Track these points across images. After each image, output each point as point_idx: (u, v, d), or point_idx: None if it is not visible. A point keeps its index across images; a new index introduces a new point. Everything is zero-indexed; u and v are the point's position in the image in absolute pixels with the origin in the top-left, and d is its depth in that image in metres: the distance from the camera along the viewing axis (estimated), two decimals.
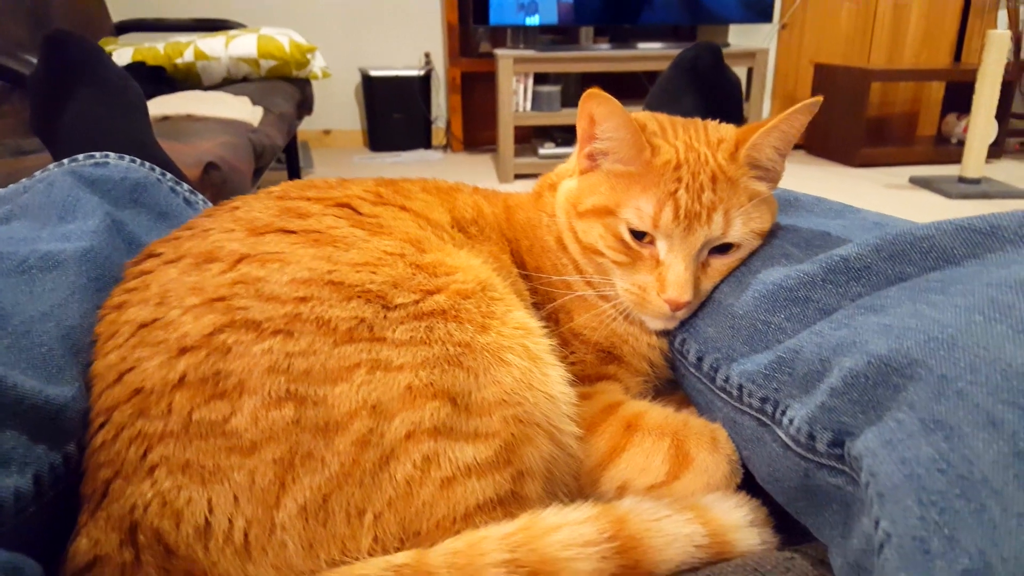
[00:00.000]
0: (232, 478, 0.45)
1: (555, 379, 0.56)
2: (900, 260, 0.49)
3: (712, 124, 0.69)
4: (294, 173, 3.33)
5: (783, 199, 0.72)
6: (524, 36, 3.70)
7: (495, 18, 3.48)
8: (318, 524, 0.46)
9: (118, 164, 0.81)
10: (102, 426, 0.48)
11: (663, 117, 0.70)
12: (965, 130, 3.34)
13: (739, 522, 0.53)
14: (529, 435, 0.52)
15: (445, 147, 4.27)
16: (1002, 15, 3.95)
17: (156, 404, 0.47)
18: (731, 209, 0.62)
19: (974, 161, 3.08)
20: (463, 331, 0.53)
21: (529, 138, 3.93)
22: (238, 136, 1.89)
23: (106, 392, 0.49)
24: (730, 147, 0.64)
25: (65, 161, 0.81)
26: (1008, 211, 0.46)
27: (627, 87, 3.93)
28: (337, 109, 4.17)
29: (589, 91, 0.63)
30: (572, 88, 3.82)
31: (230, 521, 0.44)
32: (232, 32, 2.73)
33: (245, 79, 2.70)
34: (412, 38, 4.09)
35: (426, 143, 4.20)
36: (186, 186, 0.87)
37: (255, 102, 2.28)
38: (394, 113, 4.05)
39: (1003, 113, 3.45)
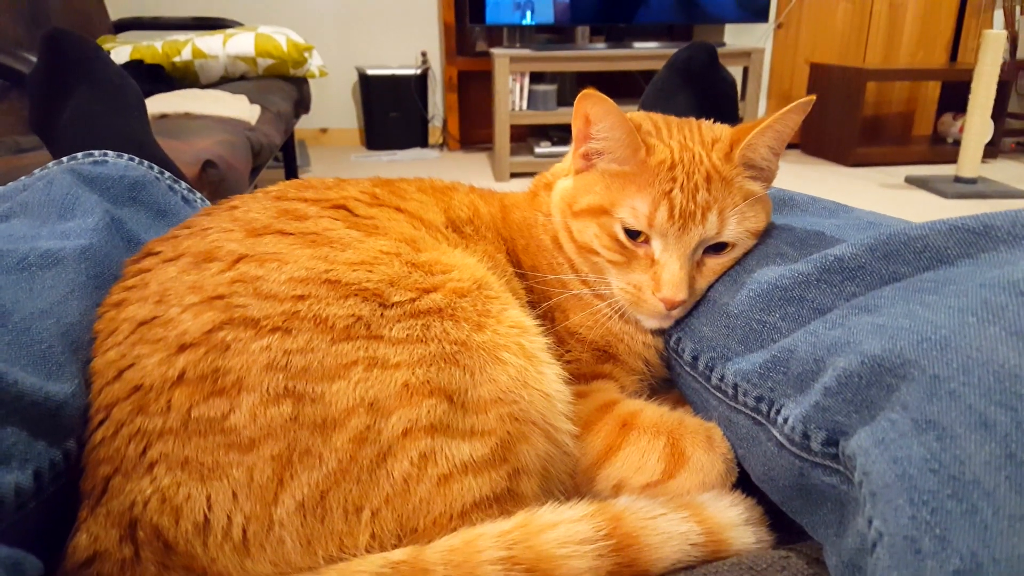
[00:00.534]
0: (231, 475, 0.45)
1: (551, 377, 0.56)
2: (894, 260, 0.49)
3: (707, 124, 0.70)
4: (291, 171, 3.33)
5: (778, 198, 0.73)
6: (520, 35, 3.71)
7: (491, 17, 3.49)
8: (316, 521, 0.46)
9: (116, 162, 0.81)
10: (102, 423, 0.49)
11: (658, 117, 0.71)
12: (961, 130, 3.36)
13: (734, 520, 0.53)
14: (525, 433, 0.53)
15: (441, 146, 4.27)
16: (998, 15, 3.96)
17: (155, 401, 0.47)
18: (726, 208, 0.62)
19: (970, 161, 3.09)
20: (459, 329, 0.53)
21: (525, 137, 3.94)
22: (236, 134, 1.89)
23: (106, 389, 0.49)
24: (725, 147, 0.64)
25: (64, 159, 0.81)
26: (1001, 210, 0.47)
27: (623, 86, 3.94)
28: (334, 108, 4.17)
29: (584, 91, 0.64)
30: (568, 87, 3.82)
31: (229, 518, 0.45)
32: (230, 31, 2.72)
33: (243, 77, 2.70)
34: (409, 37, 4.09)
35: (423, 142, 4.20)
36: (184, 184, 0.87)
37: (253, 101, 2.28)
38: (391, 112, 4.05)
39: (999, 113, 3.46)
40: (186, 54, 2.58)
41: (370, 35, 4.06)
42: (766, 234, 0.66)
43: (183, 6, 3.50)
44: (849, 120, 3.66)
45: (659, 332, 0.68)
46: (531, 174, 3.26)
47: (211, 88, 2.46)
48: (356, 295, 0.52)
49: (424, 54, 4.12)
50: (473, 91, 4.13)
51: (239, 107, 2.18)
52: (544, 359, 0.57)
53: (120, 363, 0.50)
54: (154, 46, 2.58)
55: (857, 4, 3.99)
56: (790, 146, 3.95)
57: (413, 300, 0.54)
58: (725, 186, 0.63)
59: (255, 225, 0.57)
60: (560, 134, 3.73)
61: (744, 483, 0.58)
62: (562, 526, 0.48)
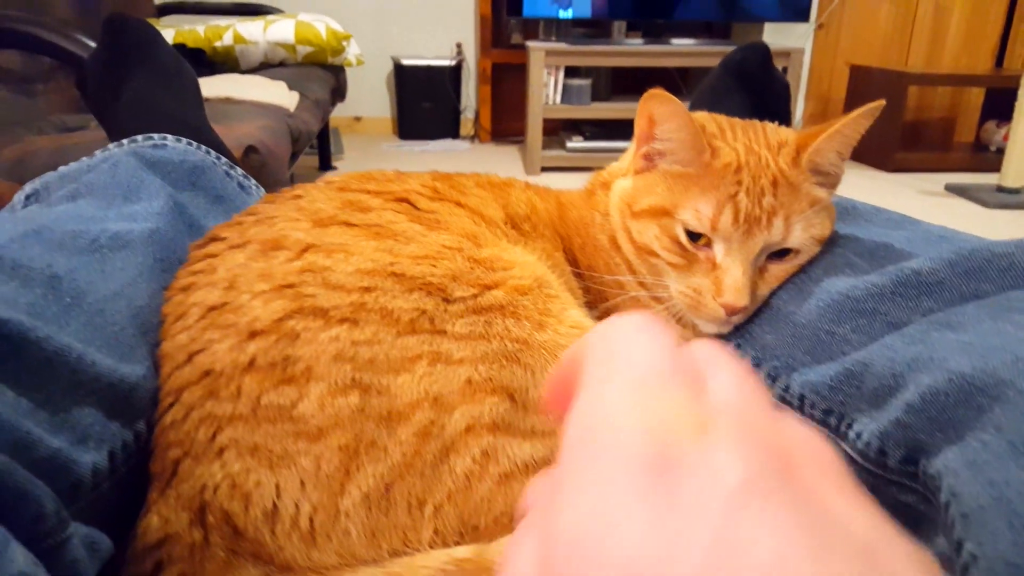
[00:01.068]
0: (299, 463, 0.46)
1: None
2: (976, 277, 0.48)
3: (771, 126, 0.69)
4: (325, 159, 3.35)
5: (839, 207, 0.72)
6: (556, 29, 3.68)
7: (528, 10, 3.47)
8: (380, 513, 0.46)
9: (176, 147, 0.82)
10: (171, 405, 0.49)
11: (722, 118, 0.70)
12: (1005, 138, 3.28)
13: None
14: None
15: (473, 137, 4.27)
16: None
17: (226, 386, 0.47)
18: (792, 214, 0.61)
19: (1014, 170, 3.02)
20: (521, 327, 0.53)
21: (557, 131, 3.92)
22: (276, 120, 1.91)
23: (176, 372, 0.50)
24: (791, 151, 0.63)
25: (125, 142, 0.83)
26: None
27: (659, 83, 3.89)
28: (368, 96, 4.18)
29: (651, 91, 0.63)
30: (603, 82, 3.80)
31: (297, 506, 0.45)
32: (270, 17, 2.74)
33: (281, 64, 2.72)
34: (444, 28, 4.09)
35: (454, 133, 4.21)
36: (239, 170, 0.88)
37: (291, 87, 2.30)
38: (424, 102, 4.06)
39: None
40: (227, 39, 2.60)
41: (406, 25, 4.07)
42: (831, 243, 0.65)
43: None
44: (889, 124, 3.59)
45: (717, 337, 0.68)
46: (562, 169, 3.24)
47: (251, 74, 2.49)
48: (420, 289, 0.52)
49: (459, 45, 4.12)
50: (506, 84, 4.12)
51: (278, 93, 2.20)
52: None
53: (191, 347, 0.50)
54: (196, 30, 2.61)
55: (900, 6, 3.91)
56: None
57: (475, 296, 0.54)
58: (792, 191, 0.62)
59: (321, 215, 0.58)
60: (593, 129, 3.71)
61: None
62: None
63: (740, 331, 0.65)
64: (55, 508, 0.37)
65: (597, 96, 3.63)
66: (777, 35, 3.95)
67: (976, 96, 4.02)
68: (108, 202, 0.67)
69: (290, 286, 0.51)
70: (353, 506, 0.46)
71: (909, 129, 3.89)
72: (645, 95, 0.63)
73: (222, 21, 2.68)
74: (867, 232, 0.64)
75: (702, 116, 0.70)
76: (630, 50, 3.41)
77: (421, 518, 0.47)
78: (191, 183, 0.78)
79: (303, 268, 0.52)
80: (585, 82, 3.54)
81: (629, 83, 3.95)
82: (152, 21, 2.76)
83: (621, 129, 3.56)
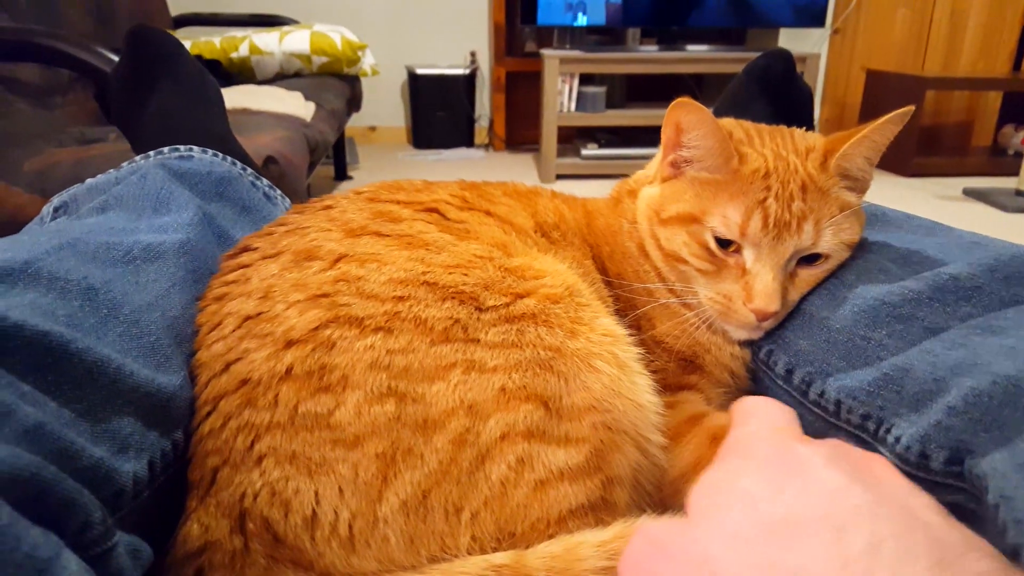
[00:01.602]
0: (337, 470, 0.46)
1: (643, 387, 0.56)
2: (1016, 282, 0.48)
3: (799, 132, 0.69)
4: (340, 168, 3.38)
5: (869, 213, 0.71)
6: (570, 36, 3.70)
7: (543, 18, 3.49)
8: (418, 520, 0.46)
9: (202, 158, 0.83)
10: (209, 414, 0.50)
11: (749, 124, 0.70)
12: (1023, 142, 3.26)
13: None
14: (617, 443, 0.53)
15: (487, 146, 4.29)
16: None
17: (263, 395, 0.48)
18: (822, 219, 0.61)
19: None
20: (553, 335, 0.53)
21: (572, 139, 3.93)
22: (293, 131, 1.92)
23: (213, 381, 0.51)
24: (819, 156, 0.63)
25: (151, 153, 0.83)
26: None
27: (673, 89, 3.90)
28: (383, 106, 4.21)
29: (678, 100, 0.63)
30: (617, 89, 3.81)
31: (336, 513, 0.46)
32: (286, 28, 2.77)
33: (297, 75, 2.74)
34: (459, 37, 4.12)
35: (468, 141, 4.23)
36: (265, 181, 0.89)
37: (307, 98, 2.32)
38: (438, 111, 4.08)
39: None
40: (243, 50, 2.63)
41: (420, 34, 4.09)
42: (863, 249, 0.64)
43: (241, 3, 3.56)
44: (906, 129, 3.50)
45: (747, 344, 0.68)
46: (577, 176, 3.25)
47: (267, 84, 2.51)
48: (453, 298, 0.53)
49: (473, 54, 4.14)
50: (520, 92, 4.14)
51: (295, 104, 2.22)
52: (636, 369, 0.56)
53: (227, 356, 0.51)
54: (212, 42, 2.64)
55: (917, 10, 3.89)
56: None
57: (507, 304, 0.54)
58: (821, 196, 0.62)
59: (352, 225, 0.58)
60: (607, 137, 3.71)
61: None
62: None
63: (772, 337, 0.65)
64: (102, 516, 0.38)
65: (612, 103, 3.64)
66: (792, 41, 3.94)
67: (993, 100, 3.99)
68: (138, 214, 0.68)
69: (325, 295, 0.51)
70: (391, 513, 0.46)
71: (926, 134, 3.86)
72: (672, 104, 0.63)
73: (238, 32, 2.71)
74: (899, 238, 0.64)
75: (729, 122, 0.70)
76: (645, 57, 3.41)
77: (458, 525, 0.47)
78: (218, 194, 0.79)
79: (337, 278, 0.52)
80: (600, 89, 3.54)
81: (644, 90, 3.95)
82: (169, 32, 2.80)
83: (636, 136, 3.57)
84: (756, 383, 0.69)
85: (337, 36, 2.76)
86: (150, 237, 0.62)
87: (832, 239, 0.62)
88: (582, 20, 3.50)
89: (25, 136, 1.74)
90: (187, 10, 3.07)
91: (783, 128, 0.69)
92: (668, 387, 0.66)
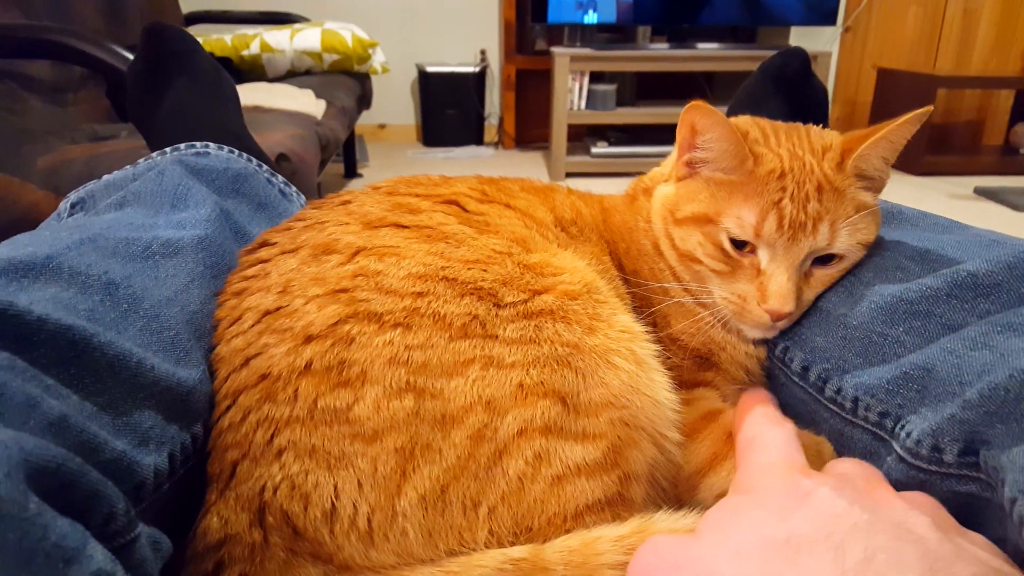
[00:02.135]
0: (356, 465, 0.46)
1: (660, 384, 0.56)
2: None
3: (815, 130, 0.68)
4: (351, 166, 3.38)
5: (885, 211, 0.71)
6: (581, 34, 3.69)
7: (553, 16, 3.48)
8: (437, 514, 0.47)
9: (218, 154, 0.84)
10: (228, 408, 0.50)
11: (765, 123, 0.69)
12: None
13: None
14: (634, 439, 0.53)
15: (497, 144, 4.29)
16: None
17: (283, 390, 0.48)
18: (837, 220, 0.61)
19: None
20: (571, 332, 0.54)
21: (582, 136, 3.93)
22: (305, 128, 1.93)
23: (232, 375, 0.51)
24: (836, 156, 0.63)
25: (168, 150, 0.84)
26: None
27: (684, 87, 3.90)
28: (393, 104, 4.22)
29: (692, 103, 0.63)
30: (627, 87, 3.80)
31: (355, 507, 0.46)
32: (297, 26, 2.78)
33: (308, 72, 2.75)
34: (469, 35, 4.12)
35: (478, 139, 4.23)
36: (280, 177, 0.89)
37: (318, 95, 2.32)
38: (448, 109, 4.09)
39: None
40: (254, 48, 2.63)
41: (431, 33, 4.10)
42: (880, 247, 0.64)
43: (252, 0, 3.57)
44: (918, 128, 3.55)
45: (762, 342, 0.68)
46: (587, 174, 3.24)
47: (277, 82, 2.52)
48: (472, 294, 0.53)
49: (483, 52, 4.14)
50: (530, 90, 4.14)
51: (306, 101, 2.22)
52: (654, 366, 0.56)
53: (247, 351, 0.51)
54: (223, 39, 2.65)
55: (929, 8, 3.87)
56: None
57: (525, 301, 0.54)
58: (837, 197, 0.61)
59: (370, 218, 0.59)
60: (618, 135, 3.71)
61: None
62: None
63: (788, 334, 0.65)
64: (125, 508, 0.38)
65: (622, 101, 3.63)
66: (804, 38, 3.93)
67: (1005, 99, 3.96)
68: (156, 210, 0.68)
69: (344, 291, 0.51)
70: (410, 507, 0.46)
71: (937, 132, 3.84)
72: (687, 106, 0.63)
73: (249, 30, 2.72)
74: (916, 236, 0.64)
75: (745, 121, 0.70)
76: (655, 55, 3.40)
77: (476, 519, 0.47)
78: (235, 190, 0.79)
79: (356, 272, 0.53)
80: (610, 87, 3.54)
81: (654, 88, 3.94)
82: None
83: (646, 134, 3.56)
84: (771, 380, 0.69)
85: (348, 34, 2.76)
86: (169, 233, 0.63)
87: (848, 240, 0.61)
88: (592, 18, 3.49)
89: (38, 133, 1.75)
90: (198, 8, 3.08)
91: (799, 126, 0.69)
92: (684, 384, 0.66)
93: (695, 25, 3.62)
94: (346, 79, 2.78)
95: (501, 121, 4.24)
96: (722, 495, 0.58)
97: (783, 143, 0.65)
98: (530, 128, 4.24)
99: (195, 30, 2.91)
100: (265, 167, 0.88)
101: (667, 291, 0.69)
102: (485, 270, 0.55)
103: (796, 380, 0.63)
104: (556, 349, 0.52)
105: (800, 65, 1.02)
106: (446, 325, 0.51)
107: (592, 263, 0.63)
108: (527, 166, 3.82)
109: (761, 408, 0.59)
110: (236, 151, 0.87)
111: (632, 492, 0.52)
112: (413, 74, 4.16)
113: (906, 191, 3.33)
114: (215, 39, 2.65)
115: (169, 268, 0.59)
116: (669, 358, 0.66)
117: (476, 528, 0.47)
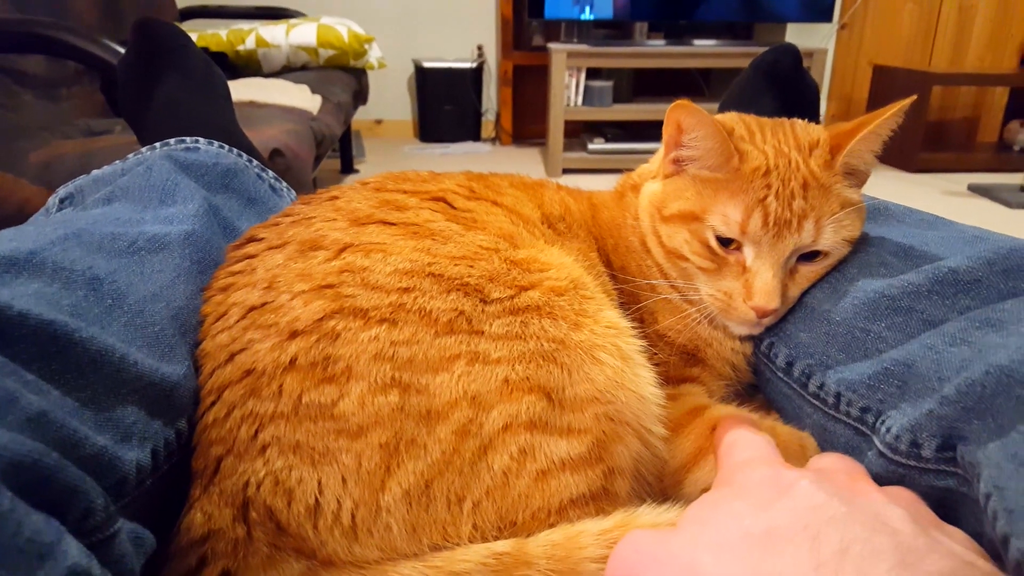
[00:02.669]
0: (340, 460, 0.46)
1: (646, 380, 0.56)
2: (1015, 275, 0.48)
3: (801, 124, 0.68)
4: (347, 162, 3.38)
5: (871, 207, 0.71)
6: (577, 30, 3.69)
7: (550, 12, 3.48)
8: (421, 509, 0.47)
9: (208, 149, 0.84)
10: (213, 404, 0.50)
11: (751, 119, 0.70)
12: None
13: None
14: (619, 434, 0.53)
15: (494, 139, 4.29)
16: None
17: (267, 385, 0.48)
18: (823, 217, 0.61)
19: None
20: (557, 327, 0.54)
21: (579, 133, 3.92)
22: (300, 124, 1.92)
23: (217, 371, 0.51)
24: (824, 153, 0.63)
25: (157, 145, 0.84)
26: None
27: (681, 84, 3.90)
28: (389, 99, 4.21)
29: (677, 102, 0.63)
30: (624, 83, 3.80)
31: (338, 502, 0.46)
32: (293, 21, 2.77)
33: (304, 67, 2.74)
34: (466, 31, 4.11)
35: (475, 135, 4.22)
36: (271, 173, 0.89)
37: (314, 91, 2.32)
38: (445, 105, 4.08)
39: None
40: (250, 43, 2.63)
41: (428, 28, 4.09)
42: (864, 243, 0.64)
43: None
44: (912, 125, 3.55)
45: (748, 338, 0.68)
46: (584, 171, 3.24)
47: (273, 77, 2.51)
48: (458, 290, 0.53)
49: (480, 48, 4.14)
50: (527, 86, 4.13)
51: (301, 97, 2.22)
52: (639, 361, 0.57)
53: (232, 347, 0.51)
54: (219, 34, 2.64)
55: (924, 6, 3.87)
56: None
57: (512, 297, 0.54)
58: (823, 193, 0.62)
59: (358, 215, 0.59)
60: (614, 131, 3.70)
61: None
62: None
63: (773, 329, 0.65)
64: (104, 504, 0.38)
65: (619, 98, 3.63)
66: (800, 35, 3.92)
67: (1000, 96, 3.96)
68: (144, 205, 0.68)
69: (330, 286, 0.51)
70: (394, 502, 0.46)
71: (932, 129, 3.84)
72: (672, 105, 0.63)
73: (244, 25, 2.71)
74: (900, 232, 0.64)
75: (731, 117, 0.70)
76: (652, 51, 3.40)
77: (460, 514, 0.48)
78: (224, 185, 0.79)
79: (342, 268, 0.53)
80: (607, 84, 3.54)
81: (651, 84, 3.94)
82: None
83: (643, 131, 3.56)
84: (757, 376, 0.69)
85: (344, 29, 2.75)
86: (155, 228, 0.62)
87: (833, 236, 0.62)
88: (589, 14, 3.49)
89: (31, 128, 1.75)
90: (194, 2, 3.07)
91: (785, 121, 0.69)
92: (670, 380, 0.66)
93: (692, 21, 3.62)
94: (342, 74, 2.77)
95: (498, 117, 4.23)
96: (707, 490, 0.58)
97: (769, 140, 0.65)
98: (527, 124, 4.24)
99: (191, 25, 2.90)
100: (255, 162, 0.88)
101: (654, 287, 0.69)
102: (471, 266, 0.55)
103: (781, 376, 0.63)
104: (542, 345, 0.52)
105: (792, 61, 1.02)
106: (432, 321, 0.51)
107: (579, 259, 0.63)
108: (524, 162, 3.81)
109: (740, 420, 0.60)
110: (226, 146, 0.86)
111: (617, 487, 0.52)
112: (410, 70, 4.15)
113: (901, 188, 3.33)
114: (211, 34, 2.65)
115: (155, 263, 0.58)
116: (656, 354, 0.66)
117: (460, 523, 0.47)
